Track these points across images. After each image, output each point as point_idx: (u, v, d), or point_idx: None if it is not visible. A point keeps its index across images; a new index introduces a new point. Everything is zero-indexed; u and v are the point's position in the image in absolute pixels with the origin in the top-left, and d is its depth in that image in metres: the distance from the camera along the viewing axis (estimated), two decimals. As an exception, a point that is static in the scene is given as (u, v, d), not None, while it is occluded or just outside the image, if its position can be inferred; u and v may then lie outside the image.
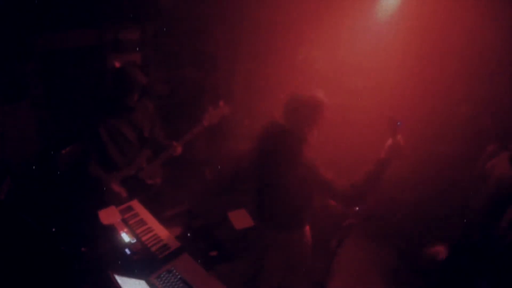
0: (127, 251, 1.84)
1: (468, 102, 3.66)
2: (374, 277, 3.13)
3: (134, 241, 1.92)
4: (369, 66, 4.28)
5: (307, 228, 2.22)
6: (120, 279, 1.43)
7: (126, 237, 1.95)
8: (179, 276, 1.70)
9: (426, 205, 3.31)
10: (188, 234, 3.04)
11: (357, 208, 2.35)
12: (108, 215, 2.13)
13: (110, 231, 2.01)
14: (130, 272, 1.61)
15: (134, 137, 2.60)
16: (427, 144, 3.59)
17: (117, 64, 3.76)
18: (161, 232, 2.03)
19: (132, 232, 1.99)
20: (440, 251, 2.23)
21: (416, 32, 3.75)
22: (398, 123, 1.82)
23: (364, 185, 1.79)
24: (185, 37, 4.57)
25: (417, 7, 3.71)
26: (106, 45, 3.61)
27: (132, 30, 3.83)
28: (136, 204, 2.30)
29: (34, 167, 2.75)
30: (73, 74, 3.39)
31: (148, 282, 1.63)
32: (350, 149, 3.72)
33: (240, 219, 3.34)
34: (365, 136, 3.36)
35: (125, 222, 2.09)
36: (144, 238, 1.96)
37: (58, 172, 2.69)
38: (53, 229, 1.98)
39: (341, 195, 1.83)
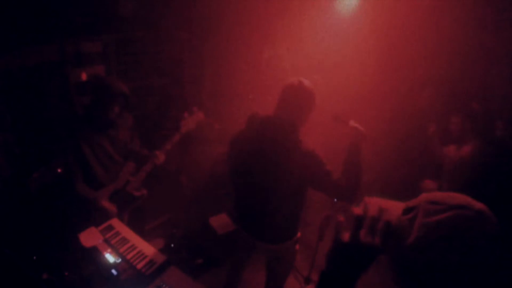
0: (114, 271, 1.83)
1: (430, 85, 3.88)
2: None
3: (119, 260, 1.91)
4: (334, 62, 4.43)
5: (298, 235, 2.19)
6: (110, 302, 1.43)
7: (110, 257, 1.93)
8: (169, 290, 1.72)
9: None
10: (172, 245, 3.05)
11: (335, 200, 2.44)
12: (89, 237, 2.09)
13: (93, 253, 1.98)
14: (119, 293, 1.61)
15: (117, 152, 2.58)
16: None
17: (84, 77, 3.67)
18: (145, 247, 2.03)
19: (116, 252, 1.98)
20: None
21: (377, 26, 3.93)
22: (341, 118, 2.00)
23: (350, 174, 1.83)
24: (148, 45, 4.51)
25: (377, 3, 3.88)
26: (68, 59, 3.49)
27: (93, 42, 3.73)
28: (116, 223, 2.27)
29: (4, 194, 2.64)
30: (36, 92, 3.27)
31: (138, 301, 1.63)
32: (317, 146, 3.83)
33: (222, 224, 3.37)
34: (330, 131, 3.49)
35: (107, 242, 2.06)
36: (129, 257, 1.95)
37: (32, 197, 2.60)
38: (34, 257, 1.92)
39: (338, 186, 1.81)
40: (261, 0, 4.51)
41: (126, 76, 4.32)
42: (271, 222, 2.04)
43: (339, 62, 4.39)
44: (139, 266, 1.88)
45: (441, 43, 3.70)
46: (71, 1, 3.37)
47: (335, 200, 2.38)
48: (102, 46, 3.88)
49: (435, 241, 0.78)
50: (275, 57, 5.38)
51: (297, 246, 2.21)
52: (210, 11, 4.63)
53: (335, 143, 2.97)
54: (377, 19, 3.91)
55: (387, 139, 3.79)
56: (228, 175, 2.31)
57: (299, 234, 2.19)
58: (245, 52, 5.16)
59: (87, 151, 2.40)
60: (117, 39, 4.07)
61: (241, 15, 4.64)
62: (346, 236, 0.89)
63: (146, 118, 4.50)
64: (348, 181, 1.81)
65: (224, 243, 3.12)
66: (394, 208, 0.88)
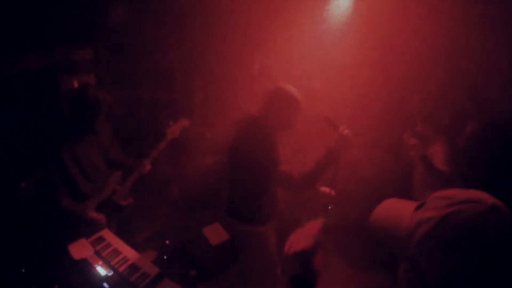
0: (105, 285, 1.76)
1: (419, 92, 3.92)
2: (341, 264, 3.32)
3: (111, 273, 1.84)
4: (326, 70, 4.47)
5: (271, 226, 2.37)
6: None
7: (102, 270, 1.86)
8: (163, 304, 1.65)
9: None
10: (165, 257, 2.96)
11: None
12: (79, 249, 2.01)
13: (84, 266, 1.91)
14: (111, 308, 1.54)
15: (101, 161, 2.51)
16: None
17: (76, 85, 3.61)
18: (138, 259, 1.96)
19: (107, 264, 1.91)
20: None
21: (369, 35, 3.99)
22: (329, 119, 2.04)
23: (312, 175, 1.98)
24: (139, 55, 4.48)
25: (368, 11, 3.94)
26: (59, 66, 3.43)
27: (84, 50, 3.68)
28: (107, 234, 2.20)
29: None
30: (26, 99, 3.19)
31: (132, 315, 1.56)
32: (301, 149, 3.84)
33: (215, 234, 3.30)
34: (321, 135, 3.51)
35: (98, 254, 1.99)
36: (121, 269, 1.88)
37: (20, 207, 2.51)
38: (23, 270, 1.84)
39: (293, 183, 2.01)
40: (252, 10, 4.54)
41: (117, 84, 4.27)
42: (250, 205, 2.26)
43: (332, 70, 4.43)
44: (132, 279, 1.81)
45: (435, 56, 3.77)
46: (63, 9, 3.33)
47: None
48: (93, 54, 3.83)
49: (441, 236, 0.72)
50: (267, 67, 5.40)
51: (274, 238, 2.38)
52: (201, 20, 4.64)
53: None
54: (368, 28, 3.97)
55: (383, 148, 3.81)
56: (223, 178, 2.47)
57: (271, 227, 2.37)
58: (237, 61, 5.17)
59: (70, 163, 2.31)
60: (109, 47, 4.03)
61: (233, 24, 4.66)
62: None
63: (136, 127, 4.44)
64: (305, 178, 1.99)
65: (218, 253, 3.05)
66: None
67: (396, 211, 0.86)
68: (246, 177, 2.20)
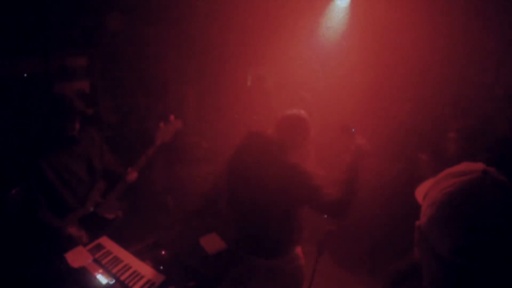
0: (107, 294, 1.68)
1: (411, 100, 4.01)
2: (350, 279, 3.25)
3: (112, 282, 1.76)
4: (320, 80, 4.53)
5: (299, 249, 2.15)
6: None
7: (102, 278, 1.78)
8: (170, 313, 1.58)
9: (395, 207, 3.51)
10: (161, 267, 2.87)
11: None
12: (77, 257, 1.93)
13: (83, 275, 1.82)
14: (116, 317, 1.47)
15: (83, 171, 2.39)
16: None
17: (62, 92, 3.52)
18: (141, 267, 1.89)
19: (108, 273, 1.83)
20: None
21: (363, 45, 4.08)
22: (353, 129, 1.99)
23: (345, 193, 1.83)
24: (134, 62, 4.45)
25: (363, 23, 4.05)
26: (52, 72, 3.36)
27: (79, 57, 3.63)
28: (106, 241, 2.12)
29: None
30: (16, 105, 3.10)
31: (137, 325, 1.49)
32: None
33: (212, 243, 3.23)
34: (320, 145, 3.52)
35: (97, 262, 1.91)
36: (123, 277, 1.80)
37: (10, 216, 2.39)
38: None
39: (329, 205, 1.82)
40: (247, 20, 4.59)
41: (110, 92, 4.21)
42: (267, 238, 2.02)
43: (326, 81, 4.50)
44: (135, 287, 1.73)
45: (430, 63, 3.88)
46: (59, 15, 3.29)
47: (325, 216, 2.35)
48: (87, 61, 3.78)
49: (443, 208, 0.75)
50: (260, 77, 5.44)
51: (302, 261, 2.16)
52: (195, 29, 4.65)
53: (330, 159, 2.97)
54: (362, 38, 4.06)
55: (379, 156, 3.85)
56: (222, 194, 2.27)
57: (299, 250, 2.15)
58: (231, 71, 5.19)
59: (51, 175, 2.22)
60: (103, 54, 3.98)
61: (227, 34, 4.69)
62: None
63: (129, 136, 4.36)
64: (343, 197, 1.82)
65: (215, 263, 2.98)
66: None
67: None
68: (269, 208, 1.92)
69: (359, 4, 4.18)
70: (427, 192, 0.83)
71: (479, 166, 0.76)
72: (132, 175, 2.49)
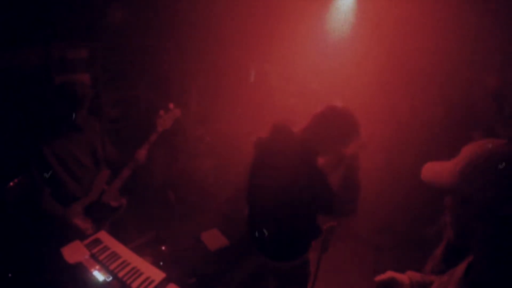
0: (104, 291, 1.61)
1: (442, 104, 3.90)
2: (355, 275, 3.19)
3: (109, 278, 1.70)
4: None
5: (311, 255, 2.12)
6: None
7: (99, 275, 1.71)
8: (169, 312, 1.52)
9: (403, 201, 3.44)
10: (161, 263, 2.81)
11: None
12: (74, 252, 1.86)
13: (79, 271, 1.76)
14: (112, 315, 1.40)
15: (88, 160, 2.35)
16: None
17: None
18: (140, 263, 1.82)
19: (105, 269, 1.76)
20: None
21: (367, 45, 3.99)
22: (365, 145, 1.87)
23: (350, 187, 1.77)
24: (136, 55, 4.37)
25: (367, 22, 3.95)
26: (53, 64, 3.29)
27: (80, 48, 3.56)
28: (104, 236, 2.05)
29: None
30: (16, 97, 3.03)
31: (134, 324, 1.43)
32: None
33: (214, 239, 3.18)
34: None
35: (94, 258, 1.84)
36: (121, 274, 1.73)
37: (8, 208, 2.34)
38: (9, 275, 1.68)
39: (340, 205, 1.75)
40: (250, 14, 4.51)
41: (112, 85, 4.14)
42: (285, 237, 1.97)
43: (329, 73, 4.42)
44: (134, 285, 1.67)
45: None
46: (59, 6, 3.21)
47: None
48: (88, 53, 3.70)
49: (475, 167, 0.84)
50: (263, 72, 5.36)
51: (312, 268, 2.12)
52: (199, 23, 4.58)
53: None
54: (364, 35, 3.97)
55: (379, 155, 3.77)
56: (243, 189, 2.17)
57: (311, 256, 2.12)
58: (234, 65, 5.12)
59: (54, 162, 2.16)
60: (104, 47, 3.90)
61: (230, 28, 4.61)
62: None
63: (130, 130, 4.30)
64: (348, 195, 1.76)
65: (217, 260, 2.92)
66: None
67: (440, 164, 0.99)
68: (292, 210, 1.85)
69: None
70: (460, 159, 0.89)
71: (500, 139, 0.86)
72: (141, 155, 2.43)
